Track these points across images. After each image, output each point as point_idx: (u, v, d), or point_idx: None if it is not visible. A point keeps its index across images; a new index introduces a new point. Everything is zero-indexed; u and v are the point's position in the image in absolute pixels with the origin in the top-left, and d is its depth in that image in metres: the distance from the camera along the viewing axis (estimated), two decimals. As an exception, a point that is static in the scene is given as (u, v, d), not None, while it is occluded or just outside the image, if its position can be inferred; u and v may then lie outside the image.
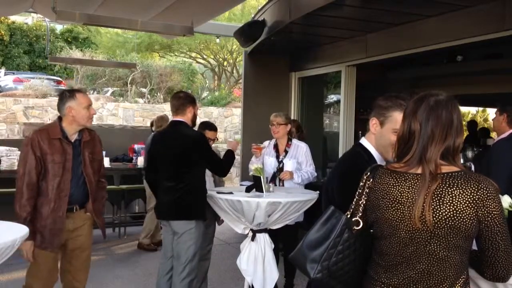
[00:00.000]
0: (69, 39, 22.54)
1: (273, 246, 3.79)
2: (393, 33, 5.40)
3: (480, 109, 23.96)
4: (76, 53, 18.99)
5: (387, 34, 5.49)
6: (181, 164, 3.67)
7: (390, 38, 5.47)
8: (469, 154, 6.06)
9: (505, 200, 2.18)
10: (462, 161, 5.21)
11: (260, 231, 3.71)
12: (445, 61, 7.81)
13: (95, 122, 14.54)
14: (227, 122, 16.53)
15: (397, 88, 7.86)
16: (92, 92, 17.98)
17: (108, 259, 5.92)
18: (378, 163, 2.02)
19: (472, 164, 5.01)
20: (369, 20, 5.26)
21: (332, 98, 7.77)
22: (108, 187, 6.75)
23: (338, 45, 6.38)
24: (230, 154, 3.98)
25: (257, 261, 3.64)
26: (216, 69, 23.42)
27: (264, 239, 3.71)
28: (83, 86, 17.83)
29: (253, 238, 3.70)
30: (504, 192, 2.25)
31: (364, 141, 2.14)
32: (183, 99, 3.80)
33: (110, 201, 6.87)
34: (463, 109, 23.09)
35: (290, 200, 3.58)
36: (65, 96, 3.18)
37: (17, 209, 3.02)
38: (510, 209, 2.19)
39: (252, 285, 3.71)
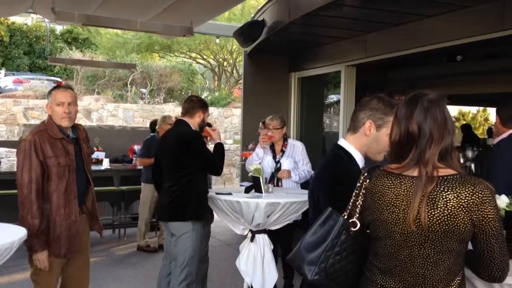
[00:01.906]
0: (69, 40, 22.52)
1: (272, 246, 3.78)
2: (393, 33, 5.40)
3: (481, 109, 23.95)
4: (76, 54, 18.96)
5: (387, 34, 5.49)
6: (174, 164, 3.64)
7: (390, 38, 5.46)
8: (469, 154, 6.04)
9: (503, 200, 2.18)
10: (462, 161, 5.22)
11: (259, 232, 3.71)
12: (445, 61, 7.81)
13: (94, 123, 14.56)
14: (227, 123, 16.52)
15: (397, 88, 7.85)
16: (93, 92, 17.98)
17: (108, 260, 5.91)
18: (359, 163, 2.03)
19: (472, 164, 4.99)
20: (369, 20, 5.25)
21: (332, 98, 7.76)
22: (108, 188, 6.86)
23: (338, 45, 6.38)
24: (220, 148, 3.78)
25: (256, 262, 3.64)
26: (216, 70, 23.43)
27: (263, 240, 3.70)
28: (83, 86, 17.86)
29: (252, 239, 3.69)
30: (503, 192, 2.25)
31: (344, 142, 2.06)
32: (194, 103, 3.76)
33: (110, 202, 6.86)
34: (463, 109, 23.16)
35: (289, 200, 3.58)
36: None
37: (29, 220, 2.80)
38: (507, 208, 2.18)
39: (252, 286, 3.70)
